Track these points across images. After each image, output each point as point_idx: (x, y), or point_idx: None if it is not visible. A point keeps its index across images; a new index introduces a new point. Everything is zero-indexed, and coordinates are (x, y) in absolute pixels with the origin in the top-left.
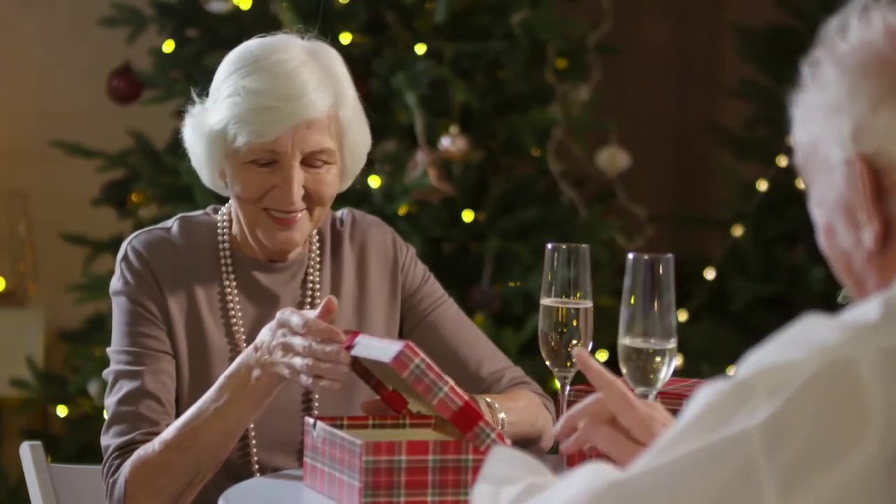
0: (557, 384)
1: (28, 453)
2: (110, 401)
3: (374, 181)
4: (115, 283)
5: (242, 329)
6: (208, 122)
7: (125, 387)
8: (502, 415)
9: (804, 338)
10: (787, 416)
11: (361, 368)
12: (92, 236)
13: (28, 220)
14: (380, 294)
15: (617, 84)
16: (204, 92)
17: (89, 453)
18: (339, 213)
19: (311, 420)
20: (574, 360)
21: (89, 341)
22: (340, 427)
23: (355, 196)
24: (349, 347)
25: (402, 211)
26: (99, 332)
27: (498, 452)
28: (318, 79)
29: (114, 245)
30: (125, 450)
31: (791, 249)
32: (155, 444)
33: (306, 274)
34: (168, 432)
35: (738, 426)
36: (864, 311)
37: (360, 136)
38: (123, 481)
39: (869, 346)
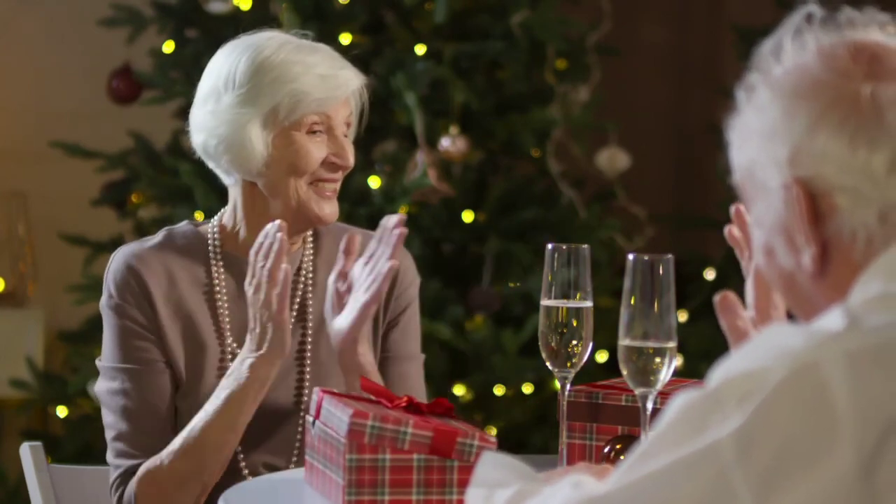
0: (557, 384)
1: (28, 453)
2: (109, 420)
3: (374, 181)
4: (103, 297)
5: (230, 328)
6: (249, 112)
7: (121, 405)
8: None
9: (771, 345)
10: (758, 425)
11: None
12: (92, 237)
13: (27, 220)
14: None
15: (617, 84)
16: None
17: (89, 453)
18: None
19: (311, 418)
20: (575, 361)
21: (89, 342)
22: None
23: (355, 196)
24: (317, 415)
25: (402, 211)
26: (99, 333)
27: (489, 457)
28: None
29: (114, 246)
30: (129, 471)
31: None
32: (162, 457)
33: (299, 270)
34: (174, 443)
35: (710, 437)
36: (829, 320)
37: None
38: (133, 499)
39: (834, 350)
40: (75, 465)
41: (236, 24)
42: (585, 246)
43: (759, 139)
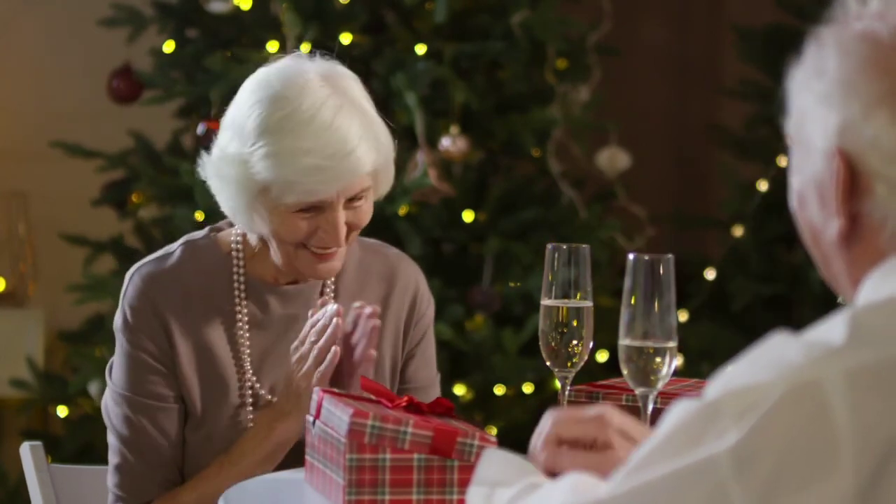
0: (558, 384)
1: (28, 453)
2: (113, 442)
3: None
4: (117, 319)
5: (249, 359)
6: (245, 174)
7: (127, 435)
8: None
9: (771, 358)
10: (756, 441)
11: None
12: (92, 236)
13: (28, 220)
14: (394, 324)
15: (617, 84)
16: (216, 115)
17: (89, 453)
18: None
19: (311, 418)
20: (575, 361)
21: (89, 341)
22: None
23: None
24: (318, 415)
25: (402, 211)
26: (99, 333)
27: (490, 455)
28: (358, 127)
29: (114, 245)
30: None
31: (791, 250)
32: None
33: (322, 291)
34: (186, 492)
35: (707, 451)
36: (831, 330)
37: (390, 164)
38: None
39: (835, 367)
40: (75, 465)
41: (236, 24)
42: (586, 246)
43: (815, 100)
